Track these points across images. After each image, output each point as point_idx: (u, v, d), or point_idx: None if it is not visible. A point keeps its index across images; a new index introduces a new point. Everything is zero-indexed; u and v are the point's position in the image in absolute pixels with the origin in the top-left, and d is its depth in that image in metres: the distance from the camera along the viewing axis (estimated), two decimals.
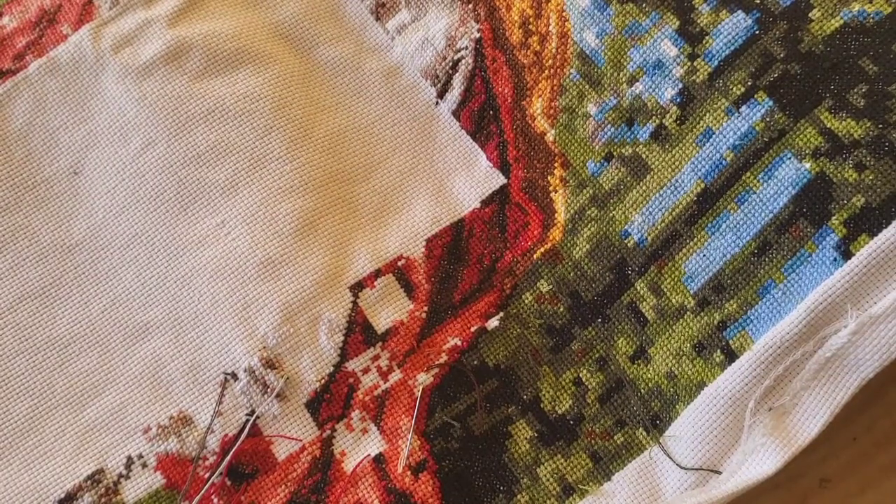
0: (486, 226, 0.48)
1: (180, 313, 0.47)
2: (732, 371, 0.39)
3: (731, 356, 0.40)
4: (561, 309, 0.45)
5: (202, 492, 0.44)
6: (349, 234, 0.48)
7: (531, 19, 0.49)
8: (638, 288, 0.43)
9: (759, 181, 0.41)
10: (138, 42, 0.52)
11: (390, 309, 0.46)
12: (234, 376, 0.46)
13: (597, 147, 0.46)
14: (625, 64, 0.45)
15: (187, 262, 0.48)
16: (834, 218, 0.39)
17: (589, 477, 0.42)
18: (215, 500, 0.44)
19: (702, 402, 0.39)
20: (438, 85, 0.51)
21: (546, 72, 0.48)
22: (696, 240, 0.42)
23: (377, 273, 0.47)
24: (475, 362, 0.45)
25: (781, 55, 0.42)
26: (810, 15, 0.42)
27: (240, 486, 0.44)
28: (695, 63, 0.43)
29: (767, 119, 0.41)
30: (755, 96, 0.41)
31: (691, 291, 0.42)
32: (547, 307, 0.45)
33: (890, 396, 0.42)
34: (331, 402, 0.45)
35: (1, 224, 0.49)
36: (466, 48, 0.50)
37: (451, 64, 0.51)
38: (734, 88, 0.42)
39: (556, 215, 0.46)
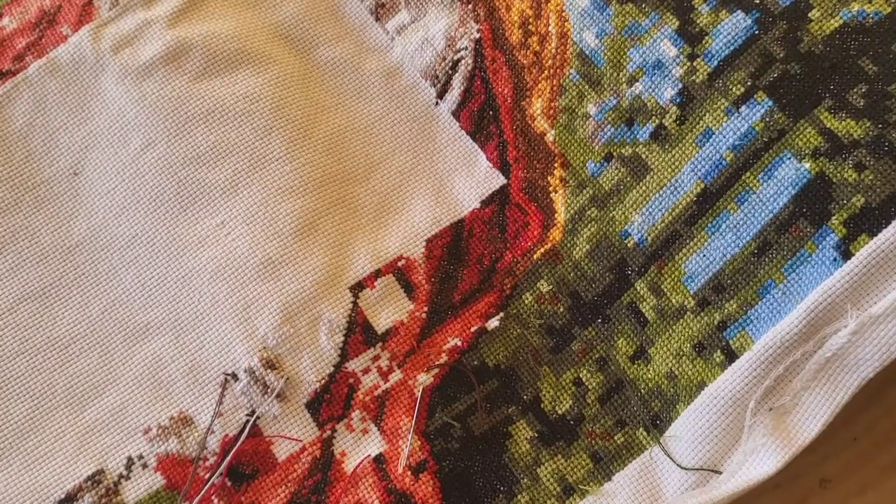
0: (486, 226, 0.48)
1: (180, 314, 0.47)
2: (732, 371, 0.39)
3: (731, 356, 0.40)
4: (561, 309, 0.45)
5: (202, 492, 0.44)
6: (349, 234, 0.48)
7: (531, 20, 0.49)
8: (638, 288, 0.43)
9: (758, 181, 0.41)
10: (138, 43, 0.52)
11: (390, 309, 0.47)
12: (235, 377, 0.46)
13: (597, 147, 0.46)
14: (624, 64, 0.45)
15: (187, 263, 0.48)
16: (834, 218, 0.39)
17: (589, 477, 0.42)
18: (215, 501, 0.44)
19: (702, 403, 0.39)
20: (438, 85, 0.51)
21: (546, 72, 0.48)
22: (696, 240, 0.42)
23: (377, 273, 0.47)
24: (475, 362, 0.45)
25: (781, 55, 0.42)
26: (810, 15, 0.42)
27: (240, 486, 0.44)
28: (694, 63, 0.43)
29: (767, 119, 0.41)
30: (755, 96, 0.41)
31: (691, 291, 0.42)
32: (547, 307, 0.45)
33: (890, 396, 0.42)
34: (331, 403, 0.45)
35: (1, 225, 0.49)
36: (466, 48, 0.50)
37: (450, 64, 0.51)
38: (734, 88, 0.42)
39: (556, 215, 0.46)
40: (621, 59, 0.45)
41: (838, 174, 0.39)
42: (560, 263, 0.45)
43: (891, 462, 0.41)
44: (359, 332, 0.46)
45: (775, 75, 0.41)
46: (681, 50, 0.44)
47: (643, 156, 0.44)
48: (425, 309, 0.46)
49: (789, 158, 0.40)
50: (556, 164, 0.47)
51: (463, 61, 0.50)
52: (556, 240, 0.46)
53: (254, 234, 0.48)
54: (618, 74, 0.45)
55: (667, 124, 0.44)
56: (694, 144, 0.43)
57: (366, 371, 0.45)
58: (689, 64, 0.43)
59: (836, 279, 0.38)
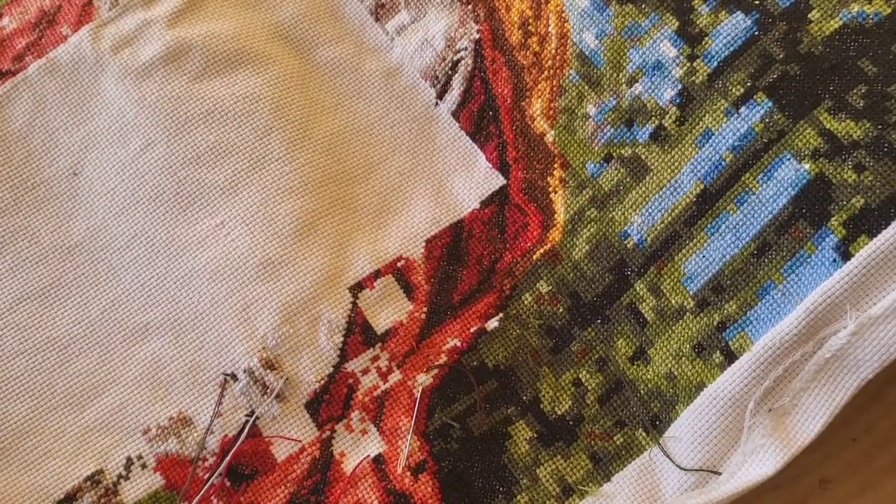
0: (486, 226, 0.48)
1: (180, 314, 0.47)
2: (732, 372, 0.39)
3: (730, 357, 0.40)
4: (560, 310, 0.45)
5: (202, 492, 0.44)
6: (349, 234, 0.48)
7: (530, 20, 0.49)
8: (637, 289, 0.43)
9: (758, 182, 0.41)
10: (138, 43, 0.52)
11: (390, 310, 0.47)
12: (234, 377, 0.46)
13: (596, 148, 0.46)
14: (624, 65, 0.45)
15: (187, 263, 0.48)
16: (833, 219, 0.39)
17: (588, 478, 0.42)
18: (215, 501, 0.44)
19: (701, 403, 0.40)
20: (438, 86, 0.51)
21: (545, 73, 0.48)
22: (695, 241, 0.42)
23: (377, 274, 0.47)
24: (475, 363, 0.45)
25: (781, 56, 0.42)
26: (809, 16, 0.42)
27: (239, 486, 0.44)
28: (694, 64, 0.43)
29: (767, 120, 0.41)
30: (754, 97, 0.41)
31: (691, 292, 0.42)
32: (546, 308, 0.45)
33: (890, 397, 0.42)
34: (330, 403, 0.45)
35: (1, 225, 0.49)
36: (466, 49, 0.50)
37: (450, 65, 0.51)
38: (733, 89, 0.42)
39: (556, 216, 0.46)
40: (621, 59, 0.45)
41: (838, 175, 0.39)
42: (559, 264, 0.45)
43: (891, 462, 0.41)
44: (358, 333, 0.46)
45: (775, 76, 0.41)
46: (680, 51, 0.44)
47: (643, 156, 0.44)
48: (425, 309, 0.46)
49: (789, 159, 0.40)
50: (555, 165, 0.47)
51: (463, 62, 0.50)
52: (555, 240, 0.46)
53: (253, 235, 0.48)
54: (617, 75, 0.45)
55: (666, 125, 0.44)
56: (693, 145, 0.43)
57: (365, 371, 0.45)
58: (688, 65, 0.43)
59: (835, 280, 0.38)
